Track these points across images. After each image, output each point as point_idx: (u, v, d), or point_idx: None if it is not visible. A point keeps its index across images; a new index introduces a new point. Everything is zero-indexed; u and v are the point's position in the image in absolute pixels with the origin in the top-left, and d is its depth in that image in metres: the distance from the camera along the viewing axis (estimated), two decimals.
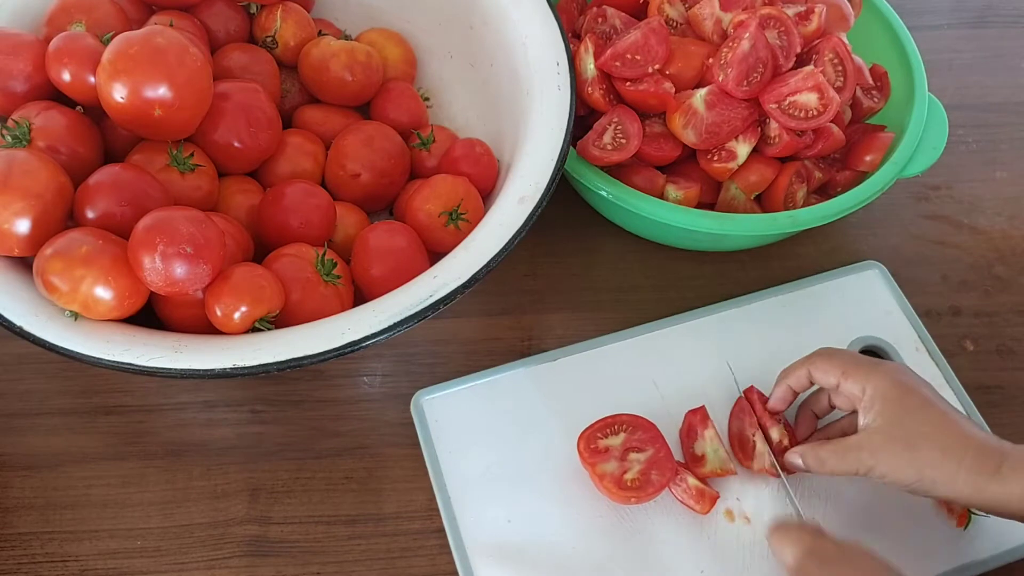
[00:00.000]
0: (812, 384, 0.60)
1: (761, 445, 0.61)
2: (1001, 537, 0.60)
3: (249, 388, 0.67)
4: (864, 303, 0.71)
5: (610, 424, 0.62)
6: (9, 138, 0.59)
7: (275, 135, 0.67)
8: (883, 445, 0.54)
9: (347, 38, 0.75)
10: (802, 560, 0.52)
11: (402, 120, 0.73)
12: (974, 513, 0.60)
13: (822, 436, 0.62)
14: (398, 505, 0.63)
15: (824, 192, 0.74)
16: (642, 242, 0.75)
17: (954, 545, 0.60)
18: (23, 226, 0.55)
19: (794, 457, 0.58)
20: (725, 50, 0.67)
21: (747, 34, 0.66)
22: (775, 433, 0.61)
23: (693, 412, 0.64)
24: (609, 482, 0.59)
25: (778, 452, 0.61)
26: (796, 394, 0.61)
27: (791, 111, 0.67)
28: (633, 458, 0.60)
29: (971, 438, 0.53)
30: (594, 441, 0.61)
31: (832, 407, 0.62)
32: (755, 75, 0.67)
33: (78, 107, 0.63)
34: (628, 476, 0.59)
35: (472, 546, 0.60)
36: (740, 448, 0.63)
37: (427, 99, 0.78)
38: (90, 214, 0.57)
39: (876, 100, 0.75)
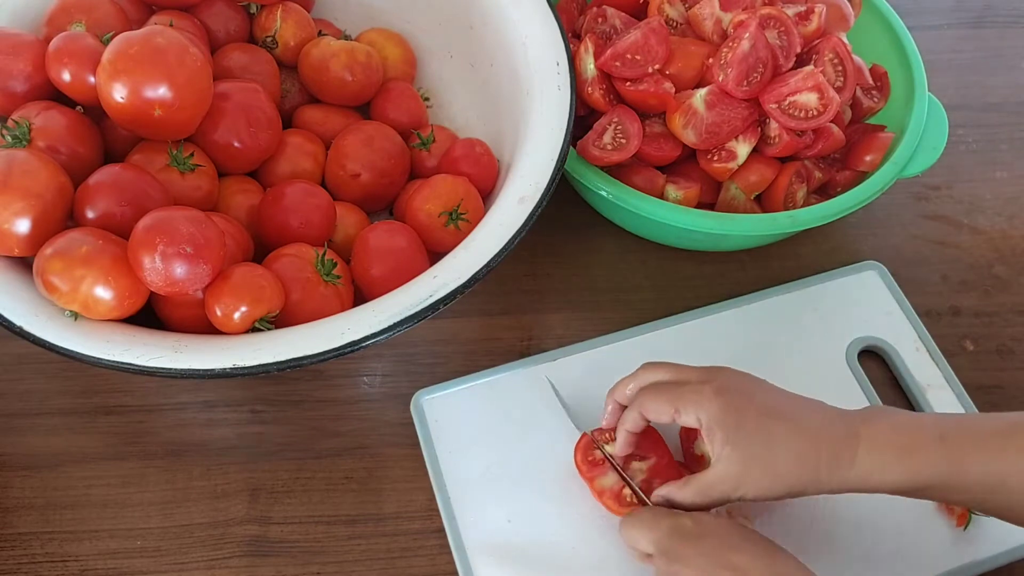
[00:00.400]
0: (647, 422, 0.57)
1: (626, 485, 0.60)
2: (1001, 537, 0.60)
3: (249, 388, 0.67)
4: (864, 303, 0.71)
5: (609, 430, 0.61)
6: (9, 138, 0.59)
7: (275, 135, 0.67)
8: (739, 474, 0.52)
9: (347, 38, 0.75)
10: (662, 541, 0.51)
11: (402, 120, 0.73)
12: (974, 513, 0.60)
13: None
14: (398, 505, 0.63)
15: (824, 192, 0.74)
16: (642, 242, 0.75)
17: (954, 545, 0.60)
18: (23, 226, 0.55)
19: (661, 496, 0.56)
20: (725, 50, 0.67)
21: (747, 34, 0.66)
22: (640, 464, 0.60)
23: None
24: (608, 498, 0.59)
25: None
26: (636, 438, 0.59)
27: (791, 111, 0.67)
28: (635, 467, 0.60)
29: (822, 434, 0.51)
30: (591, 452, 0.61)
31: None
32: (755, 75, 0.67)
33: (78, 107, 0.63)
34: (627, 492, 0.59)
35: (472, 546, 0.60)
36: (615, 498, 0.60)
37: (427, 99, 0.78)
38: (90, 214, 0.57)
39: (876, 100, 0.75)
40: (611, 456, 0.59)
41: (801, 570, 0.50)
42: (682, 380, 0.56)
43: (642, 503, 0.58)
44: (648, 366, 0.58)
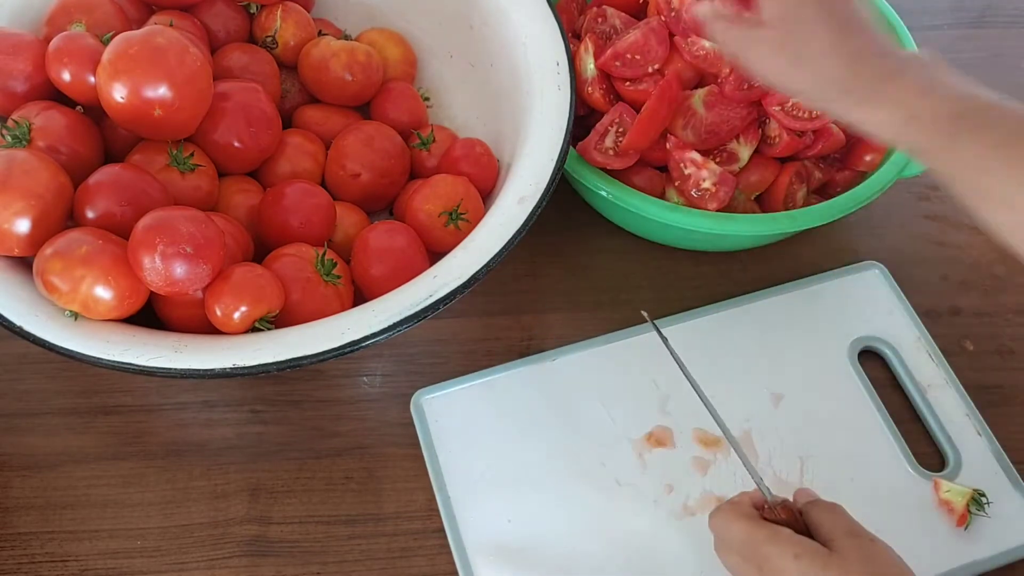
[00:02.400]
0: None
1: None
2: (1001, 537, 0.60)
3: (249, 388, 0.67)
4: (864, 303, 0.71)
5: None
6: (9, 138, 0.59)
7: (275, 135, 0.67)
8: (779, 40, 0.52)
9: (347, 38, 0.75)
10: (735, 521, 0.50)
11: (402, 120, 0.73)
12: (974, 513, 0.60)
13: None
14: (398, 505, 0.63)
15: (824, 192, 0.74)
16: (642, 242, 0.75)
17: (954, 545, 0.60)
18: (23, 226, 0.55)
19: (700, 11, 0.57)
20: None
21: None
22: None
23: None
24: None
25: None
26: None
27: (794, 112, 0.67)
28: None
29: (857, 57, 0.51)
30: None
31: None
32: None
33: (78, 107, 0.63)
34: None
35: (472, 546, 0.60)
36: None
37: (427, 99, 0.78)
38: (90, 214, 0.57)
39: None
40: None
41: None
42: None
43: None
44: None
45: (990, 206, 0.47)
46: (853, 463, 0.63)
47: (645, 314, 0.59)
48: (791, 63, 0.52)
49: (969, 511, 0.60)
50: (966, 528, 0.60)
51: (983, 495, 0.61)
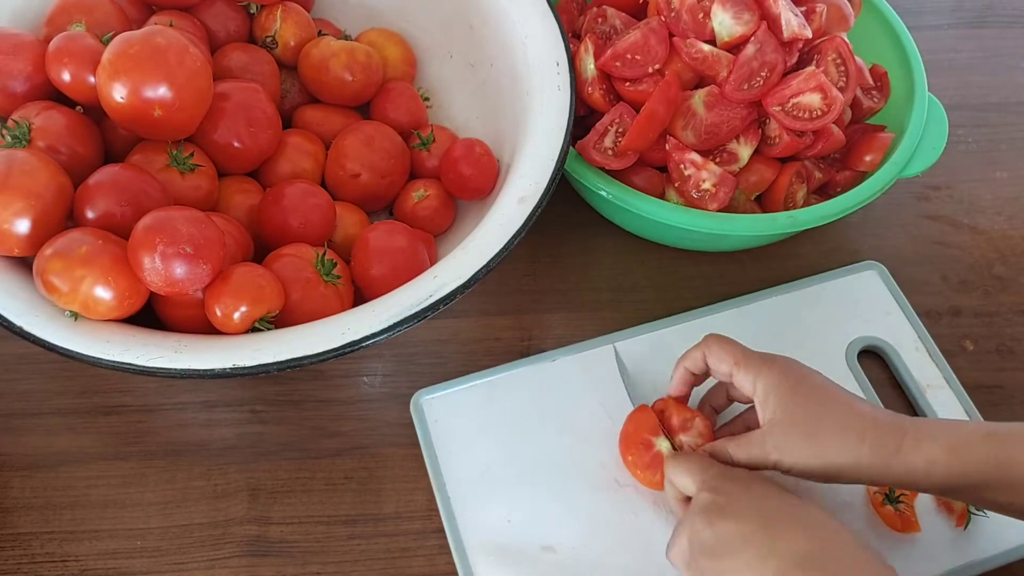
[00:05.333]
0: (707, 368, 0.59)
1: (662, 446, 0.60)
2: (1000, 537, 0.60)
3: (249, 388, 0.67)
4: (864, 303, 0.71)
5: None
6: (9, 138, 0.59)
7: (275, 135, 0.67)
8: (784, 437, 0.53)
9: (347, 38, 0.75)
10: (711, 480, 0.52)
11: (402, 120, 0.73)
12: (974, 513, 0.60)
13: (726, 431, 0.61)
14: (398, 505, 0.63)
15: (824, 192, 0.74)
16: (642, 242, 0.75)
17: (953, 545, 0.60)
18: (23, 226, 0.55)
19: (706, 451, 0.57)
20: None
21: (752, 38, 0.66)
22: (688, 438, 0.60)
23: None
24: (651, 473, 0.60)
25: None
26: (694, 376, 0.60)
27: (795, 112, 0.67)
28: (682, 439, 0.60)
29: (869, 418, 0.52)
30: (642, 434, 0.61)
31: (730, 401, 0.61)
32: (757, 79, 0.67)
33: (78, 107, 0.63)
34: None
35: (472, 546, 0.60)
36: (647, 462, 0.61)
37: (427, 99, 0.78)
38: (90, 214, 0.57)
39: (876, 100, 0.75)
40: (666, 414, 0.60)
41: (856, 545, 0.49)
42: (749, 352, 0.57)
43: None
44: (717, 335, 0.59)
45: None
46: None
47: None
48: (807, 441, 0.52)
49: (968, 511, 0.60)
50: (965, 528, 0.60)
51: None
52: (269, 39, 0.72)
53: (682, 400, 0.61)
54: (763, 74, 0.67)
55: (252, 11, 0.73)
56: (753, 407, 0.59)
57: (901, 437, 0.51)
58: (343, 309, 0.59)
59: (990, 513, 0.60)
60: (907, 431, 0.51)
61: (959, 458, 0.50)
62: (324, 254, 0.61)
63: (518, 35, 0.69)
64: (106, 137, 0.64)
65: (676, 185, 0.69)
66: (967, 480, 0.50)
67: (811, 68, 0.67)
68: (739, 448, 0.55)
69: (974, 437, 0.51)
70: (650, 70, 0.68)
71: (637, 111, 0.68)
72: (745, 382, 0.55)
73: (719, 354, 0.57)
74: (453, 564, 0.59)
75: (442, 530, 0.60)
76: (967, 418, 0.66)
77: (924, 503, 0.61)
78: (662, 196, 0.70)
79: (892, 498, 0.60)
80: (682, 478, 0.54)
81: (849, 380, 0.67)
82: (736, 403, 0.62)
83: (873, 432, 0.52)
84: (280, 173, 0.68)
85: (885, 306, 0.71)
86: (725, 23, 0.67)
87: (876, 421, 0.52)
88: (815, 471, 0.53)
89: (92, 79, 0.59)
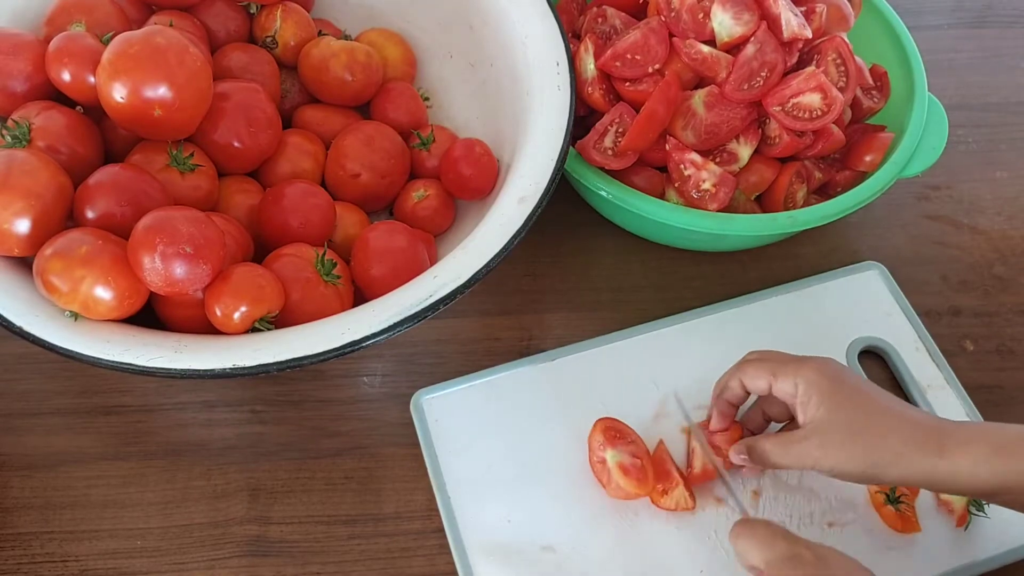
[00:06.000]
0: (747, 394, 0.59)
1: (696, 443, 0.61)
2: (1001, 537, 0.60)
3: (249, 388, 0.67)
4: (864, 303, 0.71)
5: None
6: (9, 138, 0.59)
7: (275, 135, 0.67)
8: (828, 436, 0.53)
9: (347, 38, 0.75)
10: (776, 565, 0.49)
11: (402, 120, 0.73)
12: (974, 513, 0.60)
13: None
14: (398, 505, 0.63)
15: (824, 192, 0.74)
16: (642, 242, 0.75)
17: (954, 545, 0.60)
18: (23, 226, 0.55)
19: (737, 452, 0.58)
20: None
21: (752, 38, 0.66)
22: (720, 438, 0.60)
23: None
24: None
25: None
26: (735, 408, 0.60)
27: (795, 112, 0.67)
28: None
29: (910, 419, 0.52)
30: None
31: (767, 421, 0.61)
32: (757, 79, 0.67)
33: (78, 107, 0.63)
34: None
35: (472, 546, 0.60)
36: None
37: (427, 99, 0.78)
38: (90, 214, 0.57)
39: (876, 100, 0.75)
40: (709, 449, 0.61)
41: None
42: (785, 357, 0.57)
43: (715, 472, 0.60)
44: (750, 356, 0.60)
45: None
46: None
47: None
48: (850, 439, 0.52)
49: (969, 512, 0.60)
50: (966, 529, 0.60)
51: None
52: (269, 39, 0.72)
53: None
54: (763, 74, 0.67)
55: (252, 11, 0.73)
56: (787, 425, 0.60)
57: (942, 439, 0.51)
58: (343, 309, 0.59)
59: (990, 513, 0.60)
60: (948, 433, 0.51)
61: (1005, 459, 0.49)
62: (324, 254, 0.61)
63: (518, 35, 0.69)
64: (106, 137, 0.64)
65: (676, 185, 0.69)
66: (1008, 484, 0.50)
67: (811, 68, 0.67)
68: (780, 448, 0.55)
69: (1018, 440, 0.50)
70: (650, 70, 0.68)
71: (637, 111, 0.68)
72: (786, 386, 0.55)
73: (755, 373, 0.57)
74: (453, 564, 0.59)
75: (442, 530, 0.60)
76: (967, 419, 0.66)
77: (924, 503, 0.61)
78: (662, 196, 0.70)
79: (893, 498, 0.60)
80: (748, 554, 0.51)
81: None
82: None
83: (916, 434, 0.51)
84: (280, 173, 0.68)
85: (886, 306, 0.71)
86: (725, 23, 0.66)
87: (917, 422, 0.52)
88: (855, 473, 0.52)
89: (92, 79, 0.59)
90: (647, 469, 0.60)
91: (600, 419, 0.62)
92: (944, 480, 0.51)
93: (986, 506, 0.60)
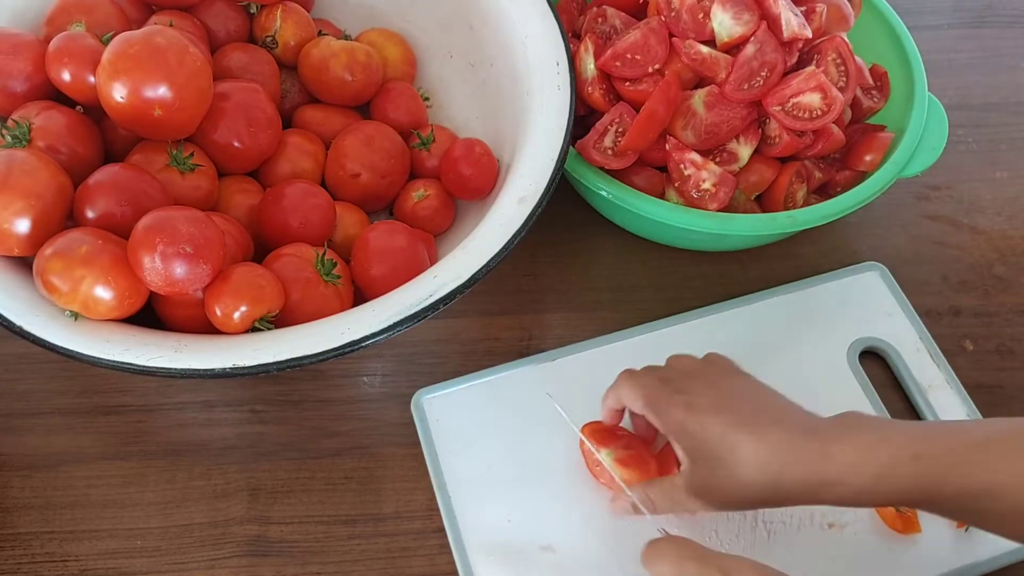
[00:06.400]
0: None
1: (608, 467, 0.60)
2: (1001, 540, 0.60)
3: (249, 388, 0.68)
4: (865, 304, 0.71)
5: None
6: (9, 138, 0.59)
7: (275, 135, 0.67)
8: (703, 486, 0.51)
9: (347, 38, 0.75)
10: (680, 565, 0.48)
11: (402, 120, 0.73)
12: None
13: None
14: (398, 505, 0.63)
15: (824, 192, 0.74)
16: (642, 242, 0.75)
17: (954, 546, 0.60)
18: (23, 226, 0.55)
19: (635, 496, 0.57)
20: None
21: (752, 38, 0.66)
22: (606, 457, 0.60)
23: None
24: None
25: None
26: (620, 412, 0.60)
27: (795, 112, 0.67)
28: (603, 453, 0.60)
29: (791, 447, 0.49)
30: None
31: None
32: (757, 79, 0.67)
33: (78, 107, 0.63)
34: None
35: (472, 546, 0.60)
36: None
37: (427, 99, 0.78)
38: (90, 214, 0.57)
39: (876, 100, 0.75)
40: (595, 449, 0.60)
41: None
42: (657, 390, 0.55)
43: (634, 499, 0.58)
44: (626, 375, 0.58)
45: None
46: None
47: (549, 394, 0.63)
48: (721, 470, 0.51)
49: None
50: (967, 530, 0.60)
51: None
52: (269, 39, 0.72)
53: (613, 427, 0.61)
54: (763, 74, 0.67)
55: (252, 11, 0.73)
56: None
57: (826, 465, 0.49)
58: (343, 309, 0.59)
59: None
60: (832, 459, 0.49)
61: (886, 485, 0.48)
62: (324, 254, 0.61)
63: (518, 35, 0.69)
64: (106, 137, 0.64)
65: (676, 185, 0.69)
66: (895, 501, 0.49)
67: (811, 68, 0.67)
68: (661, 496, 0.54)
69: (901, 458, 0.48)
70: (650, 70, 0.68)
71: (637, 111, 0.68)
72: (656, 423, 0.54)
73: (629, 395, 0.56)
74: (453, 564, 0.59)
75: (442, 530, 0.60)
76: (967, 419, 0.66)
77: None
78: (662, 196, 0.70)
79: None
80: (657, 566, 0.49)
81: (850, 381, 0.67)
82: None
83: (795, 462, 0.49)
84: (280, 173, 0.68)
85: (886, 308, 0.71)
86: (725, 23, 0.66)
87: (798, 449, 0.50)
88: (745, 506, 0.52)
89: (92, 79, 0.59)
90: (645, 456, 0.59)
91: (584, 426, 0.61)
92: (831, 502, 0.50)
93: None
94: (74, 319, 0.55)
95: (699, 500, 0.52)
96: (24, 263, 0.58)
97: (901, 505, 0.51)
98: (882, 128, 0.74)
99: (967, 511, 0.49)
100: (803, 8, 0.69)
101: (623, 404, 0.58)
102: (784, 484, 0.50)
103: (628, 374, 0.58)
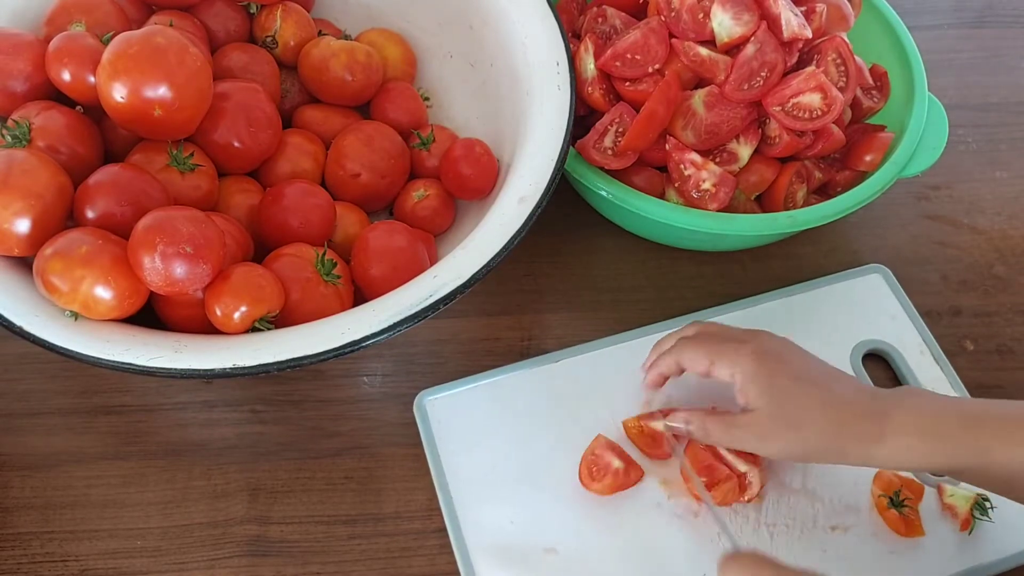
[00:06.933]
0: (683, 371, 0.60)
1: (686, 470, 0.61)
2: (1005, 542, 0.60)
3: (249, 388, 0.67)
4: (867, 306, 0.71)
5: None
6: (9, 138, 0.59)
7: (275, 135, 0.67)
8: (767, 427, 0.54)
9: (347, 38, 0.75)
10: None
11: (402, 120, 0.73)
12: (978, 518, 0.60)
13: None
14: (398, 505, 0.63)
15: (824, 192, 0.74)
16: (642, 242, 0.75)
17: (958, 550, 0.60)
18: (23, 226, 0.55)
19: (678, 420, 0.58)
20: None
21: (752, 38, 0.66)
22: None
23: None
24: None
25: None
26: (666, 378, 0.62)
27: (795, 112, 0.67)
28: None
29: (849, 406, 0.53)
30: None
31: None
32: (757, 79, 0.67)
33: (78, 107, 0.63)
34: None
35: (474, 546, 0.59)
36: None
37: (427, 99, 0.78)
38: (90, 214, 0.57)
39: (876, 100, 0.75)
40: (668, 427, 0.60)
41: None
42: (725, 337, 0.58)
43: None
44: (694, 323, 0.61)
45: None
46: (857, 467, 0.63)
47: None
48: (790, 431, 0.54)
49: (973, 516, 0.60)
50: (970, 533, 0.60)
51: (987, 500, 0.60)
52: (269, 39, 0.72)
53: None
54: (763, 74, 0.67)
55: (252, 11, 0.73)
56: None
57: (883, 425, 0.52)
58: (343, 309, 0.59)
59: (994, 518, 0.60)
60: (888, 418, 0.52)
61: (936, 449, 0.51)
62: (324, 254, 0.61)
63: (518, 35, 0.69)
64: (106, 137, 0.64)
65: (676, 185, 0.69)
66: (944, 467, 0.52)
67: (811, 68, 0.67)
68: (721, 430, 0.56)
69: (952, 426, 0.52)
70: (650, 70, 0.68)
71: (637, 111, 0.68)
72: (723, 374, 0.56)
73: (694, 356, 0.58)
74: (453, 564, 0.59)
75: (442, 530, 0.60)
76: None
77: (928, 507, 0.61)
78: (662, 196, 0.70)
79: (896, 502, 0.60)
80: None
81: None
82: None
83: (855, 420, 0.53)
84: (280, 173, 0.68)
85: (889, 310, 0.71)
86: (725, 23, 0.66)
87: (856, 409, 0.53)
88: (801, 457, 0.54)
89: (92, 79, 0.59)
90: (625, 469, 0.61)
91: (581, 462, 0.62)
92: (883, 464, 0.54)
93: (991, 511, 0.60)
94: (74, 319, 0.55)
95: (759, 443, 0.54)
96: (24, 263, 0.58)
97: (951, 474, 0.54)
98: (882, 128, 0.74)
99: (1009, 486, 0.51)
100: (803, 8, 0.69)
101: (681, 368, 0.59)
102: (846, 441, 0.52)
103: (686, 340, 0.59)
